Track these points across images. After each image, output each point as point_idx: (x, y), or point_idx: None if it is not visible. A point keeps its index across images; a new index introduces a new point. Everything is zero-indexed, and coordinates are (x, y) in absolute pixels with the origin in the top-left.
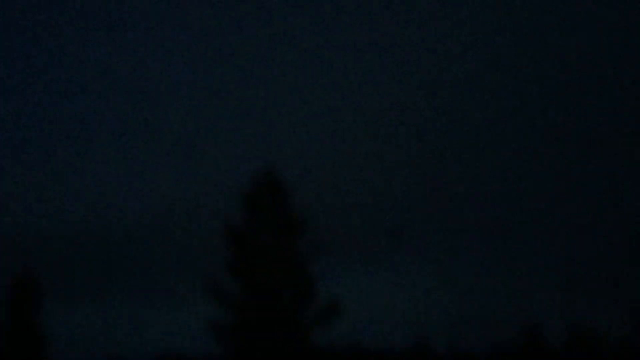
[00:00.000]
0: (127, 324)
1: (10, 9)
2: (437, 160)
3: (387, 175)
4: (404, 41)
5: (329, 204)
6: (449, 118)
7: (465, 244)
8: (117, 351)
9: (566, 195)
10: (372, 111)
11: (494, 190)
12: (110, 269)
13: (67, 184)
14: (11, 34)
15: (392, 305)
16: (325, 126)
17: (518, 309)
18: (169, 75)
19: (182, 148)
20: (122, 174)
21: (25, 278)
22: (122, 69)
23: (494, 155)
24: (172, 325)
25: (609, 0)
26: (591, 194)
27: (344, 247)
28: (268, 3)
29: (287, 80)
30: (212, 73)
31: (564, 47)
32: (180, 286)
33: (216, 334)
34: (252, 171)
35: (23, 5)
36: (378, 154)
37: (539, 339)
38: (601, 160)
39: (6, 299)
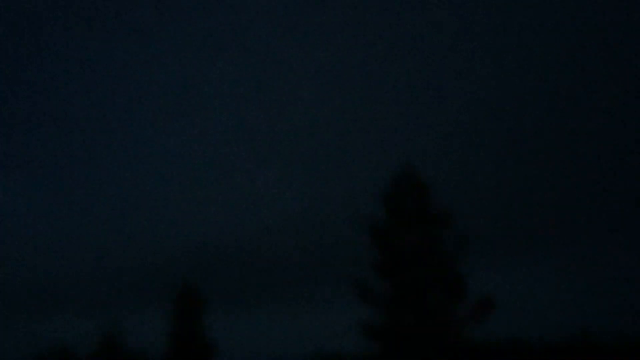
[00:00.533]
0: (282, 326)
1: (100, 55)
2: (576, 152)
3: (531, 170)
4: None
5: (470, 199)
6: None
7: (619, 232)
8: (274, 353)
9: None
10: (505, 103)
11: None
12: (263, 275)
13: (217, 198)
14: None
15: (547, 297)
16: (459, 123)
17: None
18: (309, 85)
19: (321, 153)
20: (265, 183)
21: (187, 290)
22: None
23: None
24: (325, 327)
25: None
26: None
27: (490, 241)
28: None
29: (418, 80)
30: (347, 78)
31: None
32: (331, 288)
33: (368, 334)
34: (391, 170)
35: (116, 50)
36: (519, 149)
37: None
38: None
39: (173, 310)
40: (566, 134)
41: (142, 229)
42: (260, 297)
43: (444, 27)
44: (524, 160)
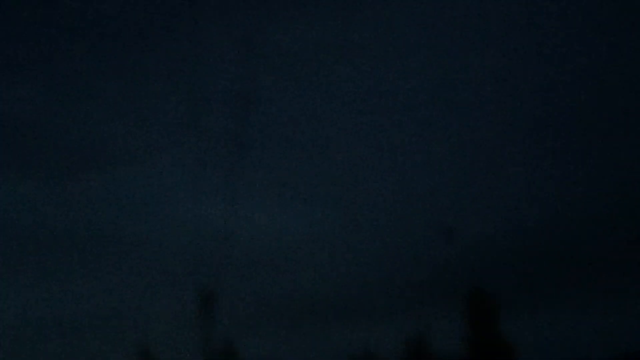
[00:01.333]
0: (586, 326)
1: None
2: None
3: None
4: None
5: None
6: None
7: None
8: (579, 355)
9: None
10: None
11: None
12: (560, 272)
13: (499, 192)
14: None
15: None
16: None
17: None
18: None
19: (597, 141)
20: (542, 176)
21: (479, 292)
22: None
23: None
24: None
25: None
26: None
27: None
28: None
29: None
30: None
31: None
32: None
33: None
34: None
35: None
36: None
37: None
38: None
39: (466, 314)
40: None
41: (428, 230)
42: (559, 295)
43: None
44: None
